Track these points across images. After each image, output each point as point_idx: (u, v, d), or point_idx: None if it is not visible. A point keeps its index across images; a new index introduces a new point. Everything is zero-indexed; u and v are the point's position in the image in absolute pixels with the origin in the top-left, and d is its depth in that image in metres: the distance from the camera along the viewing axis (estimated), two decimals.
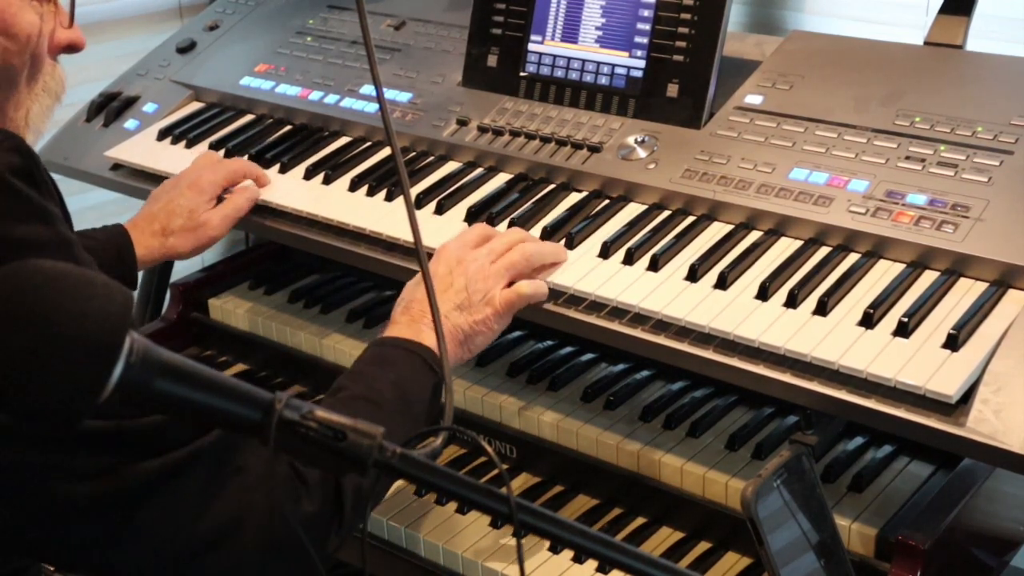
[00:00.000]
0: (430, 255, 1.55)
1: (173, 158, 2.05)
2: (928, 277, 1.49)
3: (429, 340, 1.45)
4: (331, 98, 2.08)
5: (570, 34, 1.88)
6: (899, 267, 1.52)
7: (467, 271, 1.52)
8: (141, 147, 2.12)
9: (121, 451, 1.12)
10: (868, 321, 1.42)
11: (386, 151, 1.96)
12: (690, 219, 1.67)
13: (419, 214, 1.77)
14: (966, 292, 1.46)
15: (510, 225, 1.70)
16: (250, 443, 1.18)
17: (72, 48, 1.36)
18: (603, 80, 1.85)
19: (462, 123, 1.92)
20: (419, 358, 1.42)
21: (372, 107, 2.02)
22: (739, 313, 1.47)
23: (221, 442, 1.17)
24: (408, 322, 1.47)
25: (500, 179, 1.84)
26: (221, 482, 1.16)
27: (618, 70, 1.83)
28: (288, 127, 2.10)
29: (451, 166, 1.90)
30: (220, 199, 1.89)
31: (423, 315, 1.47)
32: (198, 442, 1.15)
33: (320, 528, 1.22)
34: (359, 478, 0.99)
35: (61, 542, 1.15)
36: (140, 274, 1.86)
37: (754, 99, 1.77)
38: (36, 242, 1.11)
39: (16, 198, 1.11)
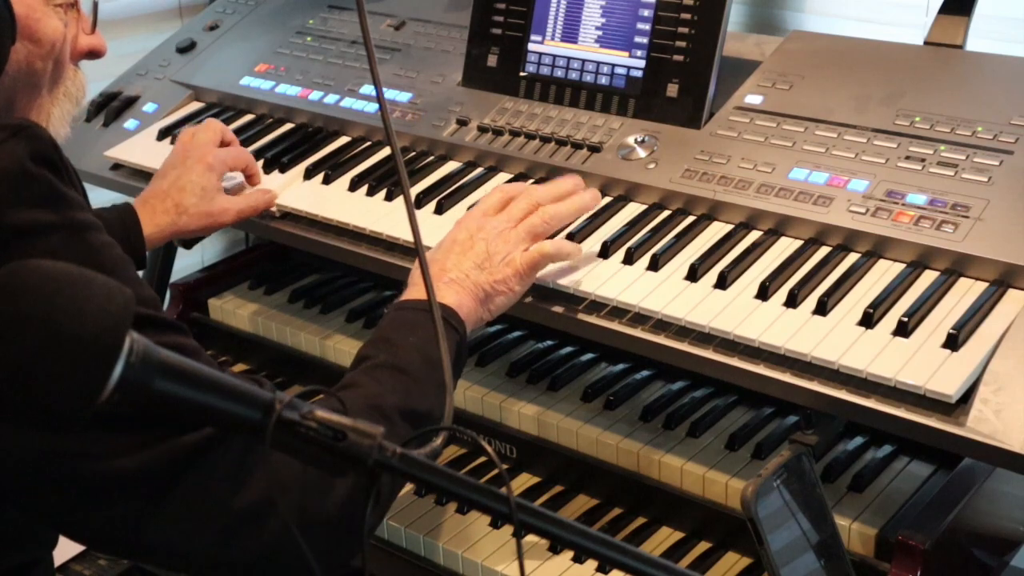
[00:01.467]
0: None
1: None
2: (928, 277, 1.49)
3: (449, 299, 1.44)
4: (331, 98, 2.08)
5: (570, 34, 1.88)
6: (899, 267, 1.52)
7: (487, 235, 1.51)
8: (141, 147, 2.12)
9: (153, 428, 1.12)
10: (868, 321, 1.42)
11: (386, 151, 1.96)
12: (690, 219, 1.67)
13: (419, 214, 1.77)
14: (966, 292, 1.46)
15: None
16: None
17: (93, 54, 1.37)
18: (603, 80, 1.85)
19: (462, 123, 1.92)
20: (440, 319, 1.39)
21: (372, 107, 2.02)
22: (739, 313, 1.47)
23: None
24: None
25: (500, 179, 1.84)
26: (253, 460, 1.16)
27: (618, 70, 1.83)
28: (288, 127, 2.10)
29: (451, 166, 1.90)
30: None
31: (442, 274, 1.46)
32: None
33: (356, 505, 1.21)
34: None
35: (96, 521, 1.15)
36: (140, 274, 1.86)
37: (754, 99, 1.77)
38: (54, 226, 1.11)
39: (35, 184, 1.11)
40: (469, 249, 1.50)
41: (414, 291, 1.46)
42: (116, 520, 1.15)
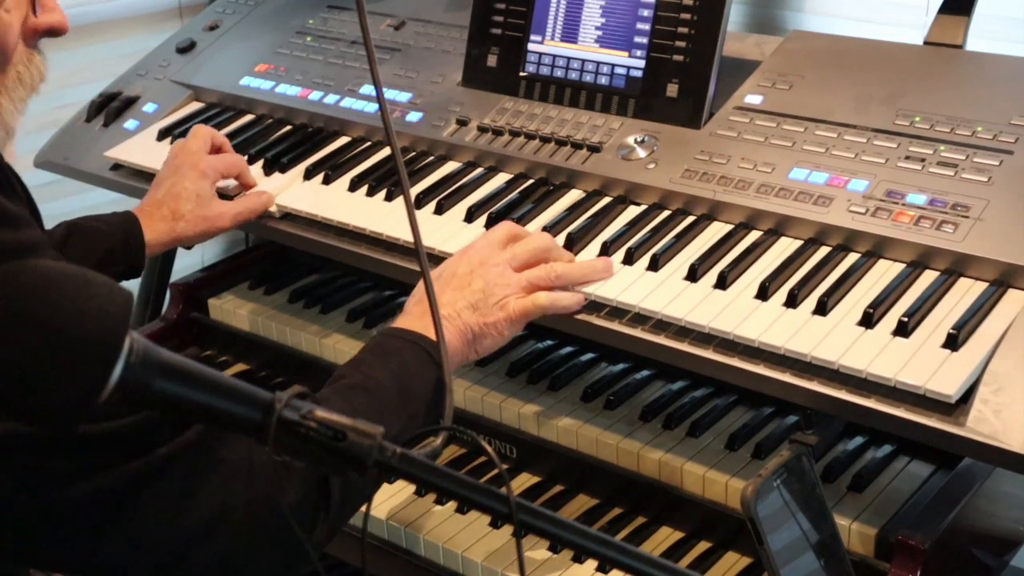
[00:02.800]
0: (429, 255, 1.54)
1: None
2: (928, 277, 1.49)
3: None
4: (331, 98, 2.08)
5: (570, 34, 1.88)
6: (899, 267, 1.52)
7: (487, 274, 1.50)
8: (141, 147, 2.12)
9: (101, 453, 1.10)
10: (868, 321, 1.42)
11: (386, 151, 1.96)
12: (690, 219, 1.67)
13: (419, 214, 1.77)
14: (966, 292, 1.46)
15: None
16: (230, 436, 1.16)
17: (54, 32, 1.28)
18: (603, 80, 1.85)
19: (462, 123, 1.92)
20: (422, 350, 1.39)
21: (372, 107, 2.02)
22: (739, 313, 1.47)
23: (200, 438, 1.15)
24: (420, 314, 1.43)
25: (500, 179, 1.84)
26: (201, 478, 1.15)
27: (618, 70, 1.83)
28: (288, 127, 2.10)
29: (451, 166, 1.90)
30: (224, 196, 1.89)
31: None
32: (177, 440, 1.14)
33: (305, 517, 1.21)
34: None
35: (45, 546, 1.13)
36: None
37: (754, 99, 1.77)
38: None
39: None
40: (466, 286, 1.49)
41: (405, 319, 1.45)
42: (64, 545, 1.13)
